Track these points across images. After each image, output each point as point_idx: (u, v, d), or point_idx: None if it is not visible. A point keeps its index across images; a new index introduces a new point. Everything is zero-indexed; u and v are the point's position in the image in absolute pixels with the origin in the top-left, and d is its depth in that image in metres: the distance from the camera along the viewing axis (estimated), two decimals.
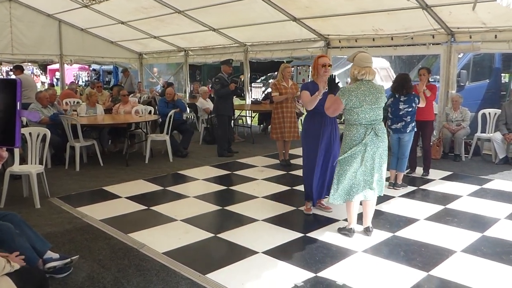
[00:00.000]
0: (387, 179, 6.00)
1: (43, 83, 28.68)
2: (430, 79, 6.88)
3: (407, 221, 4.70)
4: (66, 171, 7.00)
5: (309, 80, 5.01)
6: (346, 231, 4.29)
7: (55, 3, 11.19)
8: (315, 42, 10.02)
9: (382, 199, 5.31)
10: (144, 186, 6.18)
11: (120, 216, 4.90)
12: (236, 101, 11.91)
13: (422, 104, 5.92)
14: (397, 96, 5.91)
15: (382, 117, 4.18)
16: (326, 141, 4.76)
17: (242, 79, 8.07)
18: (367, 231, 4.31)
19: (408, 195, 5.70)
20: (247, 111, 11.65)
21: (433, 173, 6.72)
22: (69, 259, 3.47)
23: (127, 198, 5.59)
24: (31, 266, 3.32)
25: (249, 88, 12.79)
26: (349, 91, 4.07)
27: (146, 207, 5.21)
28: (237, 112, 10.84)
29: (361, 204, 4.34)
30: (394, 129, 5.93)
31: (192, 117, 12.60)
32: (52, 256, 3.46)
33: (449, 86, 8.22)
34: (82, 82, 29.41)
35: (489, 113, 8.13)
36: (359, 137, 4.07)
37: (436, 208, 5.14)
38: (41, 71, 33.03)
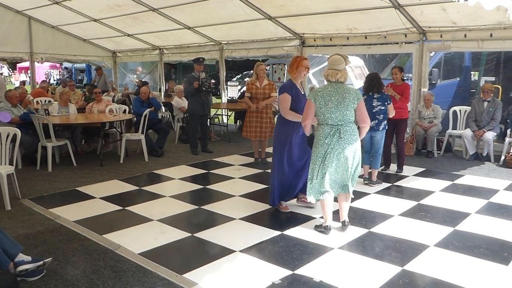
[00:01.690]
0: (362, 175, 6.10)
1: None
2: (403, 78, 7.01)
3: (382, 217, 4.77)
4: (38, 172, 6.83)
5: (286, 80, 5.02)
6: (322, 229, 4.34)
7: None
8: (290, 41, 10.06)
9: (357, 195, 5.39)
10: (119, 186, 6.09)
11: (94, 217, 4.81)
12: (213, 99, 11.85)
13: (391, 114, 6.01)
14: (370, 94, 6.00)
15: (351, 118, 4.17)
16: (301, 140, 4.80)
17: (202, 77, 8.03)
18: (343, 225, 4.37)
19: (382, 192, 5.79)
20: (223, 110, 11.62)
21: (407, 170, 6.85)
22: (41, 262, 3.39)
23: (102, 198, 5.50)
24: (2, 270, 3.24)
25: (225, 86, 12.76)
26: (316, 91, 4.21)
27: (121, 208, 5.14)
28: (213, 111, 10.80)
29: (336, 200, 4.39)
30: None
31: (168, 116, 12.48)
32: (24, 259, 3.37)
33: (421, 84, 8.39)
34: (54, 80, 28.74)
35: (460, 110, 8.34)
36: (324, 136, 4.15)
37: (410, 204, 5.24)
38: (9, 69, 32.08)
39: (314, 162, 4.23)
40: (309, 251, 3.90)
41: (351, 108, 4.14)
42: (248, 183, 6.23)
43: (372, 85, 5.99)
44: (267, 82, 7.22)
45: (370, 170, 6.10)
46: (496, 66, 11.98)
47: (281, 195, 4.96)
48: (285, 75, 19.20)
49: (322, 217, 4.55)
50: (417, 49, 8.28)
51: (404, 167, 6.81)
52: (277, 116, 11.12)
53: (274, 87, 7.25)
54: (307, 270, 3.52)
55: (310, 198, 4.33)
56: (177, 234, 4.30)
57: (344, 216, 4.40)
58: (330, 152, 4.13)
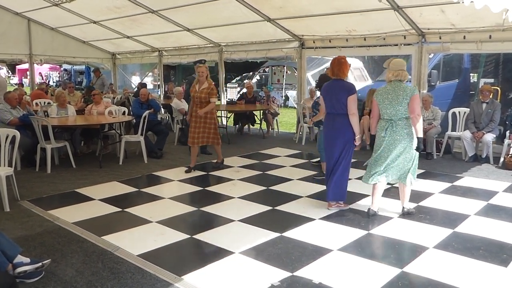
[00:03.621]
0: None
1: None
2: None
3: (381, 219, 4.77)
4: (37, 174, 6.83)
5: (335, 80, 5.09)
6: (367, 211, 4.86)
7: (24, 1, 10.89)
8: (289, 43, 10.08)
9: (356, 196, 5.40)
10: (118, 188, 6.08)
11: (93, 219, 4.81)
12: None
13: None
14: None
15: (404, 114, 4.61)
16: None
17: None
18: (402, 211, 4.89)
19: (382, 194, 5.77)
20: (223, 112, 11.63)
21: None
22: (40, 263, 3.39)
23: (101, 200, 5.49)
24: (1, 271, 3.23)
25: (224, 88, 12.76)
26: (378, 90, 4.82)
27: (121, 209, 5.13)
28: None
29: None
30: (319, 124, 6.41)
31: (167, 118, 12.48)
32: (22, 261, 3.37)
33: (420, 85, 8.40)
34: (53, 82, 28.74)
35: (459, 112, 8.33)
36: (381, 129, 4.74)
37: (409, 205, 5.23)
38: (8, 71, 32.05)
39: (374, 150, 4.82)
40: (308, 253, 3.89)
41: (404, 104, 4.59)
42: (247, 185, 6.23)
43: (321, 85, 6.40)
44: (206, 86, 6.65)
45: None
46: (495, 68, 12.00)
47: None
48: (285, 77, 19.31)
49: (321, 218, 4.56)
50: (416, 51, 8.29)
51: None
52: (276, 118, 11.16)
53: (214, 92, 6.71)
54: (306, 272, 3.51)
55: (364, 180, 4.90)
56: (176, 236, 4.30)
57: (403, 203, 4.89)
58: (385, 143, 4.67)
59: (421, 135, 4.69)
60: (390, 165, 4.72)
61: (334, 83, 5.02)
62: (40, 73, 28.52)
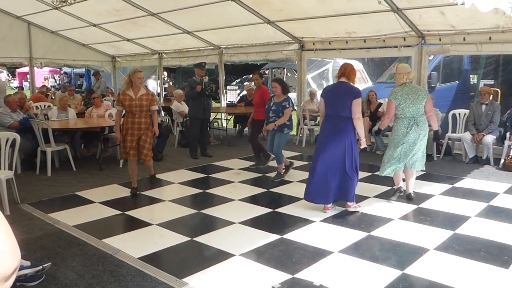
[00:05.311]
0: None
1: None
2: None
3: (382, 221, 4.77)
4: (37, 177, 6.83)
5: (335, 83, 5.16)
6: (396, 192, 5.46)
7: (24, 5, 10.90)
8: (289, 45, 10.09)
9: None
10: (118, 191, 6.08)
11: (94, 222, 4.81)
12: (212, 103, 11.88)
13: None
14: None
15: (422, 111, 5.17)
16: None
17: (205, 81, 7.97)
18: (408, 198, 5.40)
19: (382, 195, 5.78)
20: (223, 114, 11.63)
21: None
22: (40, 267, 3.38)
23: (101, 203, 5.49)
24: None
25: (224, 91, 12.77)
26: (396, 92, 5.24)
27: (121, 212, 5.13)
28: (212, 115, 10.81)
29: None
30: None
31: (167, 121, 12.47)
32: (23, 264, 3.35)
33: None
34: (53, 85, 28.77)
35: (459, 113, 8.33)
36: (404, 126, 5.19)
37: (410, 207, 5.24)
38: (8, 74, 32.11)
39: (394, 146, 5.27)
40: (309, 255, 3.89)
41: (424, 102, 5.16)
42: (248, 187, 6.23)
43: (285, 88, 6.60)
44: (144, 92, 5.82)
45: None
46: (495, 69, 12.00)
47: None
48: (285, 79, 19.30)
49: (322, 220, 4.59)
50: (416, 53, 8.28)
51: None
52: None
53: (154, 98, 6.07)
54: (307, 274, 3.51)
55: (386, 173, 5.41)
56: (176, 239, 4.30)
57: (410, 189, 5.43)
58: (410, 138, 5.15)
59: (437, 128, 5.70)
60: (411, 156, 5.24)
61: (338, 85, 4.97)
62: (51, 76, 28.62)
